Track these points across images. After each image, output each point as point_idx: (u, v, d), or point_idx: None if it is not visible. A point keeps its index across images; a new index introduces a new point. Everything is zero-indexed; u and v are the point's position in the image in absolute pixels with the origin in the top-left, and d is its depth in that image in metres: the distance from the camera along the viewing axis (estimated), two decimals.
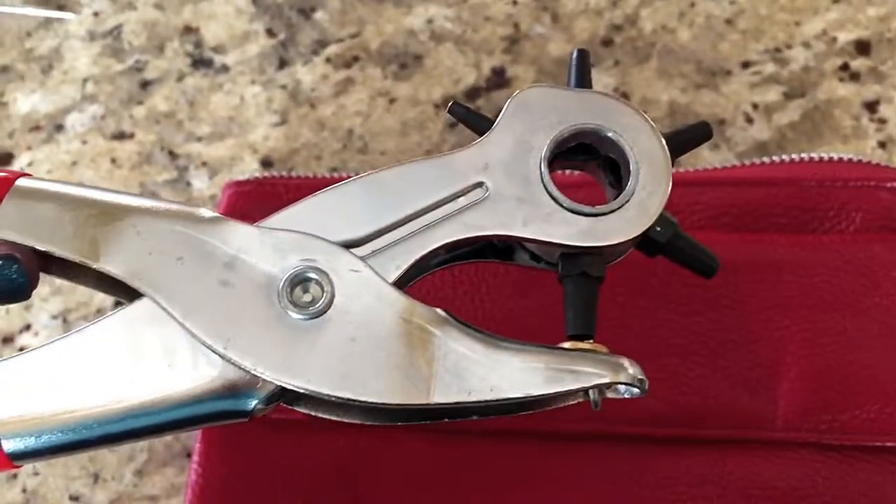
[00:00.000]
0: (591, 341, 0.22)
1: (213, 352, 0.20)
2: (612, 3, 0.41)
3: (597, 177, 0.24)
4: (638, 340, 0.30)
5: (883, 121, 0.39)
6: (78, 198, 0.21)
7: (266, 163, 0.38)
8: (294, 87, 0.40)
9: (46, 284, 0.37)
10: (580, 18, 0.41)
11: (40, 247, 0.21)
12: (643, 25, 0.41)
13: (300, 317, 0.20)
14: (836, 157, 0.33)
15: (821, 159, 0.33)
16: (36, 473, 0.34)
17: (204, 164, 0.38)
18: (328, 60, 0.40)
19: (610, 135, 0.22)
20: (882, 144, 0.38)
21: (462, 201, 0.21)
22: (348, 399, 0.20)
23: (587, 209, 0.22)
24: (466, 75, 0.40)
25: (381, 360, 0.20)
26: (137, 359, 0.20)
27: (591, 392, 0.21)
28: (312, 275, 0.20)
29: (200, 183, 0.38)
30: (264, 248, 0.20)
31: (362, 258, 0.21)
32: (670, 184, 0.22)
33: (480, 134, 0.22)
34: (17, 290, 0.21)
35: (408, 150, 0.39)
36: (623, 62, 0.40)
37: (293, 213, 0.21)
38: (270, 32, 0.40)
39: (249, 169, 0.38)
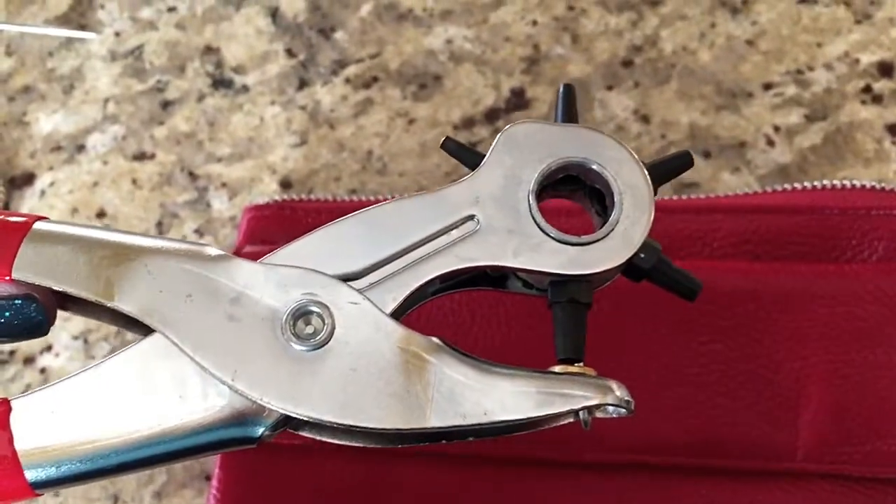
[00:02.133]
0: (581, 364, 0.23)
1: (222, 383, 0.21)
2: (632, 24, 0.41)
3: (583, 205, 0.25)
4: (658, 369, 0.30)
5: None
6: (92, 240, 0.22)
7: (285, 184, 0.39)
8: (313, 108, 0.40)
9: None
10: (600, 39, 0.41)
11: (57, 287, 0.22)
12: (663, 46, 0.40)
13: (303, 348, 0.21)
14: (858, 184, 0.33)
15: (843, 186, 0.33)
16: (56, 495, 0.34)
17: (224, 184, 0.39)
18: (347, 81, 0.40)
19: (594, 167, 0.23)
20: None
21: (454, 234, 0.23)
22: (350, 426, 0.21)
23: (573, 239, 0.23)
24: (486, 96, 0.40)
25: (380, 387, 0.21)
26: (150, 391, 0.21)
27: (580, 413, 0.22)
28: (314, 308, 0.21)
29: (220, 204, 0.38)
30: (268, 284, 0.22)
31: (360, 291, 0.22)
32: (653, 213, 0.23)
33: (471, 168, 0.24)
34: (36, 328, 0.23)
35: (426, 172, 0.39)
36: (643, 83, 0.40)
37: (295, 249, 0.22)
38: (290, 53, 0.41)
39: (269, 190, 0.38)
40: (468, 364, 0.22)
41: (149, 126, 0.39)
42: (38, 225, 0.23)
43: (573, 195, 0.24)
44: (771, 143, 0.39)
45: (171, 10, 0.41)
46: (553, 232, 0.23)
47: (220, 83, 0.40)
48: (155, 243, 0.22)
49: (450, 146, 0.24)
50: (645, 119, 0.39)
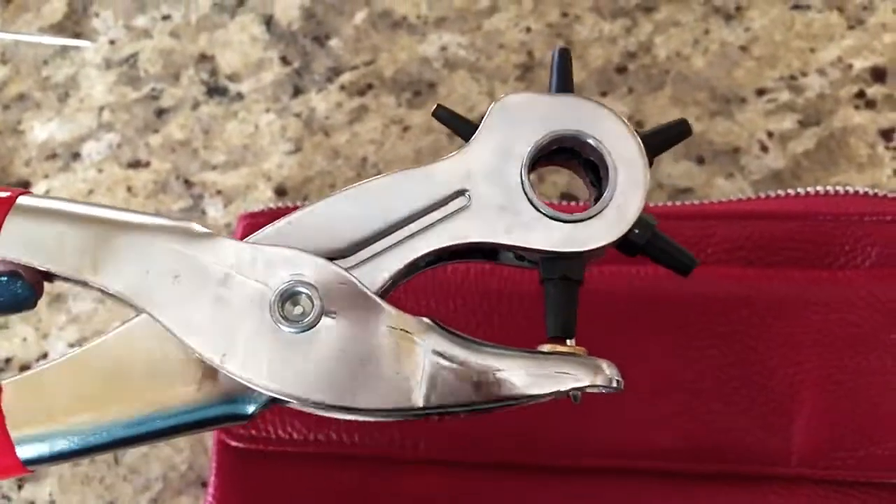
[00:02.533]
0: (572, 342, 0.22)
1: (214, 362, 0.21)
2: (626, 31, 0.41)
3: (578, 174, 0.24)
4: (652, 375, 0.30)
5: None
6: (77, 216, 0.22)
7: (280, 191, 0.39)
8: (308, 115, 0.40)
9: (63, 313, 0.37)
10: (594, 46, 0.41)
11: (41, 266, 0.22)
12: (657, 53, 0.41)
13: (291, 330, 0.21)
14: (851, 190, 0.33)
15: (836, 192, 0.33)
16: (52, 502, 0.34)
17: (219, 192, 0.39)
18: (342, 88, 0.40)
19: (589, 140, 0.22)
20: None
21: (445, 210, 0.22)
22: (339, 407, 0.21)
23: (566, 216, 0.22)
24: (480, 103, 0.40)
25: (369, 368, 0.21)
26: (142, 370, 0.21)
27: (570, 392, 0.22)
28: (302, 289, 0.21)
29: (215, 211, 0.38)
30: (255, 265, 0.21)
31: (349, 269, 0.22)
32: (647, 187, 0.23)
33: (464, 138, 0.23)
34: (24, 303, 0.22)
35: None
36: (637, 90, 0.40)
37: (283, 228, 0.22)
38: (285, 60, 0.41)
39: (264, 197, 0.38)
40: (458, 344, 0.21)
41: (143, 134, 0.40)
42: (21, 199, 0.22)
43: (567, 164, 0.24)
44: (765, 148, 0.39)
45: (166, 18, 0.41)
46: (545, 208, 0.22)
47: (215, 91, 0.40)
48: (142, 220, 0.22)
49: (442, 115, 0.24)
50: (639, 125, 0.39)
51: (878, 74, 0.40)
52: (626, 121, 0.23)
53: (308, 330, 0.21)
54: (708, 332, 0.31)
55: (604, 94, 0.40)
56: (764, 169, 0.38)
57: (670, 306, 0.31)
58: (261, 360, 0.21)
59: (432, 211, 0.22)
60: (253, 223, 0.34)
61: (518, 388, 0.21)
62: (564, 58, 0.24)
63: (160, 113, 0.40)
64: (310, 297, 0.21)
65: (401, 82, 0.40)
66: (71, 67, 0.41)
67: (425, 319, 0.22)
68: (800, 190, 0.33)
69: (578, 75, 0.40)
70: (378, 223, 0.22)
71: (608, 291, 0.31)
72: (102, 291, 0.21)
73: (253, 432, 0.30)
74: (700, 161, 0.39)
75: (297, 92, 0.40)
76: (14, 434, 0.21)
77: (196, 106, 0.40)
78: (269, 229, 0.22)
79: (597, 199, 0.23)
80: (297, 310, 0.21)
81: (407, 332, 0.21)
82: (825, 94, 0.40)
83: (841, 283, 0.31)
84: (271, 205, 0.34)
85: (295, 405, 0.22)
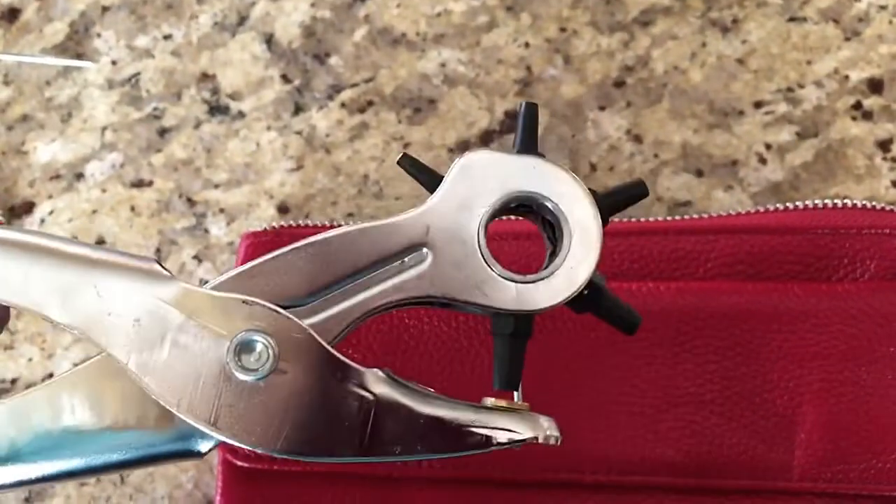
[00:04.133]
0: (517, 395, 0.24)
1: (168, 404, 0.22)
2: (624, 45, 0.41)
3: (536, 227, 0.25)
4: (653, 389, 0.30)
5: None
6: (43, 251, 0.22)
7: (282, 209, 0.39)
8: (309, 133, 0.40)
9: (68, 334, 0.37)
10: (592, 60, 0.41)
11: (4, 300, 0.22)
12: (655, 66, 0.41)
13: (246, 378, 0.22)
14: (849, 203, 0.33)
15: (834, 206, 0.33)
16: None
17: (221, 210, 0.39)
18: (343, 105, 0.41)
19: (547, 203, 0.23)
20: (895, 184, 0.38)
21: (403, 264, 0.23)
22: (288, 456, 0.22)
23: (518, 277, 0.23)
24: (480, 119, 0.40)
25: (320, 418, 0.22)
26: (101, 407, 0.22)
27: (500, 438, 0.23)
28: (258, 338, 0.22)
29: (218, 230, 0.39)
30: (214, 312, 0.22)
31: (305, 318, 0.22)
32: (599, 252, 0.23)
33: (428, 189, 0.24)
34: None
35: (423, 195, 0.39)
36: (635, 103, 0.40)
37: (243, 274, 0.23)
38: (286, 78, 0.41)
39: (266, 215, 0.39)
40: (406, 395, 0.22)
41: (146, 153, 0.40)
42: None
43: (527, 217, 0.25)
44: (763, 160, 0.39)
45: (167, 37, 0.42)
46: (498, 269, 0.23)
47: (217, 110, 0.41)
48: (107, 258, 0.22)
49: (405, 164, 0.24)
50: (637, 139, 0.40)
51: (874, 86, 0.40)
52: (583, 185, 0.24)
53: (262, 379, 0.22)
54: (708, 347, 0.31)
55: (602, 109, 0.40)
56: (763, 181, 0.39)
57: (671, 321, 0.31)
58: (214, 406, 0.22)
59: (391, 263, 0.23)
60: (255, 243, 0.34)
61: (459, 440, 0.22)
62: (530, 114, 0.24)
63: (163, 132, 0.40)
64: (266, 346, 0.22)
65: (401, 99, 0.41)
66: (73, 88, 0.41)
67: (377, 371, 0.23)
68: (798, 203, 0.34)
69: (577, 90, 0.41)
70: (336, 273, 0.23)
71: None
72: (65, 328, 0.22)
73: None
74: (699, 174, 0.39)
75: (298, 110, 0.40)
76: None
77: (198, 125, 0.40)
78: (230, 275, 0.23)
79: (552, 255, 0.24)
80: (253, 358, 0.22)
81: (358, 384, 0.22)
82: (822, 106, 0.40)
83: (840, 297, 0.31)
84: (273, 223, 0.34)
85: (246, 450, 0.22)
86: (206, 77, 0.41)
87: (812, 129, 0.40)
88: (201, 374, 0.22)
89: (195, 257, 0.38)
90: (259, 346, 0.22)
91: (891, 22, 0.41)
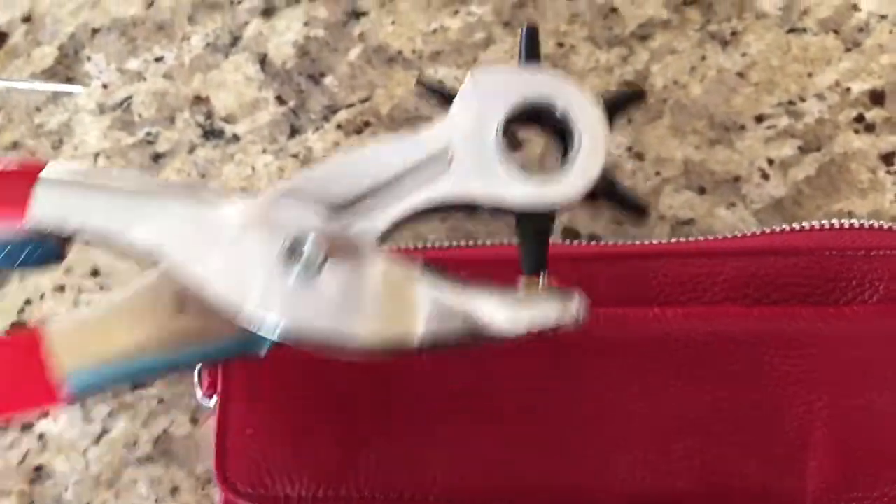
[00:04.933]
0: (544, 276, 0.25)
1: (231, 306, 0.24)
2: (623, 60, 0.40)
3: (547, 135, 0.27)
4: (664, 418, 0.30)
5: None
6: (101, 183, 0.25)
7: None
8: (305, 156, 0.39)
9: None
10: (591, 76, 0.40)
11: (72, 228, 0.24)
12: (654, 81, 0.40)
13: (300, 275, 0.24)
14: (856, 223, 0.33)
15: (841, 226, 0.33)
16: None
17: None
18: (339, 126, 0.40)
19: (556, 107, 0.25)
20: None
21: (431, 170, 0.25)
22: (343, 344, 0.24)
23: (536, 175, 0.25)
24: None
25: (369, 307, 0.24)
26: (165, 312, 0.25)
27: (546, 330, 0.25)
28: (308, 238, 0.24)
29: None
30: (266, 219, 0.24)
31: (348, 221, 0.25)
32: (607, 148, 0.26)
33: (443, 104, 0.26)
34: (53, 260, 0.26)
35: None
36: (636, 120, 0.40)
37: (291, 185, 0.25)
38: (280, 100, 0.40)
39: None
40: (447, 284, 0.24)
41: None
42: (47, 170, 0.25)
43: (537, 127, 0.26)
44: (765, 176, 0.39)
45: (159, 60, 0.41)
46: (517, 169, 0.25)
47: (211, 133, 0.40)
48: (161, 184, 0.25)
49: (423, 86, 0.26)
50: (639, 156, 0.39)
51: (876, 97, 0.40)
52: (586, 91, 0.26)
53: (314, 274, 0.24)
54: (717, 373, 0.30)
55: None
56: (765, 197, 0.38)
57: (679, 347, 0.31)
58: (272, 302, 0.24)
59: (420, 170, 0.25)
60: None
61: (497, 325, 0.24)
62: (532, 34, 0.26)
63: (156, 157, 0.40)
64: (315, 247, 0.24)
65: (398, 119, 0.40)
66: (64, 114, 0.40)
67: (418, 263, 0.25)
68: (804, 224, 0.33)
69: None
70: (373, 180, 0.25)
71: (616, 336, 0.31)
72: (127, 251, 0.24)
73: (262, 491, 0.30)
74: (701, 191, 0.39)
75: (294, 132, 0.40)
76: (60, 368, 0.24)
77: (192, 149, 0.40)
78: (278, 185, 0.25)
79: (564, 157, 0.26)
80: (305, 257, 0.24)
81: (402, 274, 0.24)
82: (824, 119, 0.39)
83: (849, 319, 0.30)
84: None
85: (305, 345, 0.24)
86: (199, 100, 0.40)
87: (814, 142, 0.39)
88: (259, 274, 0.24)
89: None
90: (308, 246, 0.24)
91: (891, 31, 0.41)
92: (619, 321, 0.31)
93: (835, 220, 0.33)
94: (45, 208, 0.24)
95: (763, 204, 0.38)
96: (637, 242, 0.34)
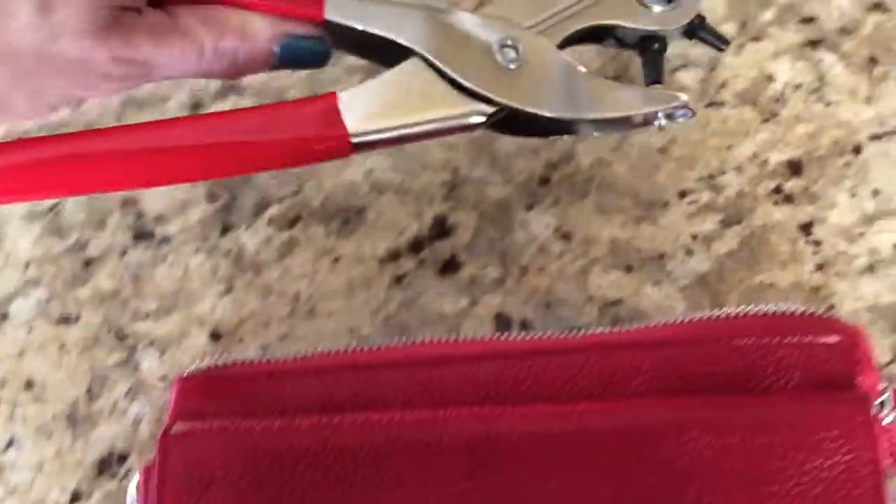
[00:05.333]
0: (661, 85, 0.35)
1: (465, 85, 0.33)
2: (549, 141, 0.41)
3: None
4: None
5: (818, 243, 0.39)
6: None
7: (215, 336, 0.38)
8: (238, 253, 0.40)
9: (2, 484, 0.36)
10: (517, 159, 0.41)
11: (359, 27, 0.34)
12: (580, 161, 0.41)
13: (507, 65, 0.34)
14: (771, 310, 0.34)
15: (755, 314, 0.34)
16: None
17: (152, 342, 0.38)
18: (270, 222, 0.40)
19: None
20: (819, 267, 0.39)
21: (585, 3, 0.35)
22: (537, 113, 0.34)
23: (658, 6, 0.35)
24: (409, 226, 0.40)
25: (554, 89, 0.34)
26: (420, 90, 0.34)
27: (660, 115, 0.34)
28: (511, 41, 0.34)
29: (150, 362, 0.38)
30: (483, 26, 0.34)
31: (537, 33, 0.35)
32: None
33: None
34: (322, 59, 0.35)
35: (355, 311, 0.39)
36: (562, 200, 0.41)
37: (494, 8, 0.36)
38: (211, 197, 0.41)
39: (198, 344, 0.38)
40: (599, 79, 0.36)
41: (72, 287, 0.39)
42: None
43: None
44: (689, 252, 0.40)
45: None
46: (645, 3, 0.35)
47: (142, 235, 0.40)
48: (414, 5, 0.35)
49: None
50: (566, 237, 0.40)
51: (794, 168, 0.41)
52: None
53: (517, 65, 0.34)
54: (641, 465, 0.31)
55: (529, 208, 0.40)
56: (690, 273, 0.39)
57: (607, 442, 0.31)
58: (491, 81, 0.33)
59: (579, 2, 0.35)
60: (186, 388, 0.34)
61: (638, 105, 0.34)
62: None
63: (88, 263, 0.40)
64: (515, 47, 0.34)
65: (329, 211, 0.41)
66: None
67: (580, 66, 0.35)
68: (722, 312, 0.34)
69: (503, 190, 0.41)
70: (552, 8, 0.35)
71: (539, 433, 0.31)
72: (397, 44, 0.34)
73: None
74: (628, 269, 0.39)
75: (226, 229, 0.40)
76: (348, 124, 0.33)
77: (124, 253, 0.40)
78: (490, 6, 0.37)
79: (669, 2, 0.36)
80: (510, 53, 0.34)
81: (573, 67, 0.35)
82: (744, 192, 0.40)
83: (766, 408, 0.31)
84: (207, 350, 0.34)
85: (497, 131, 0.35)
86: (128, 202, 0.41)
87: (735, 216, 0.40)
88: (481, 63, 0.34)
89: (128, 393, 0.38)
90: (513, 44, 0.34)
91: (805, 101, 0.42)
92: (541, 420, 0.32)
93: (751, 307, 0.34)
94: (335, 10, 0.34)
95: (688, 280, 0.39)
96: (562, 335, 0.35)
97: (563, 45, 0.35)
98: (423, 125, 0.33)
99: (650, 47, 0.36)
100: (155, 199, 0.41)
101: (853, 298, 0.39)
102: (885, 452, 0.33)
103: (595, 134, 0.37)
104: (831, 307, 0.38)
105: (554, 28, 0.35)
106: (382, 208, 0.41)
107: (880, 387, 0.34)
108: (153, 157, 0.32)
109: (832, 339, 0.32)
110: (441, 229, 0.40)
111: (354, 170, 0.41)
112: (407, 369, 0.35)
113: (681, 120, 0.35)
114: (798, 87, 0.42)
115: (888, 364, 0.38)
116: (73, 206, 0.41)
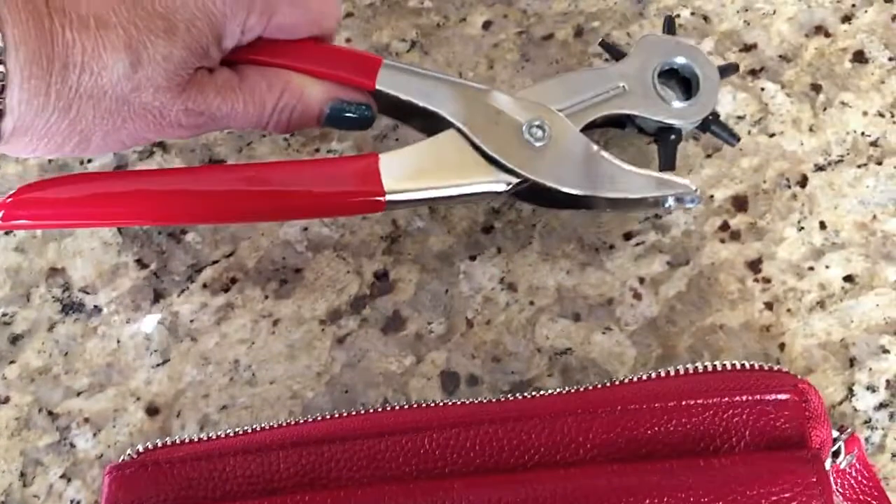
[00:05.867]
0: (672, 173, 0.38)
1: (492, 158, 0.37)
2: None
3: (674, 84, 0.40)
4: None
5: (767, 280, 0.39)
6: (428, 74, 0.38)
7: (152, 410, 0.37)
8: (172, 321, 0.38)
9: None
10: (458, 207, 0.40)
11: (405, 98, 0.37)
12: (521, 207, 0.40)
13: (535, 143, 0.37)
14: (719, 365, 0.33)
15: (704, 370, 0.33)
16: None
17: (86, 420, 0.37)
18: (205, 286, 0.39)
19: (688, 66, 0.39)
20: (769, 306, 0.38)
21: (611, 93, 0.38)
22: (556, 188, 0.37)
23: (677, 103, 0.39)
24: (349, 283, 0.39)
25: (574, 168, 0.37)
26: (454, 160, 0.37)
27: (669, 199, 0.37)
28: (539, 123, 0.37)
29: (84, 442, 0.36)
30: (516, 106, 0.37)
31: (565, 116, 0.38)
32: (718, 94, 0.40)
33: (616, 59, 0.40)
34: (368, 122, 0.38)
35: (298, 375, 0.37)
36: (505, 248, 0.39)
37: (529, 92, 0.38)
38: (141, 263, 0.39)
39: (134, 420, 0.37)
40: (616, 162, 0.37)
41: None
42: (385, 61, 0.37)
43: (671, 76, 0.40)
44: (637, 296, 0.39)
45: (8, 232, 0.39)
46: (666, 98, 0.39)
47: (70, 307, 0.38)
48: (456, 83, 0.38)
49: (604, 45, 0.40)
50: (512, 287, 0.39)
51: (739, 203, 0.40)
52: (707, 55, 0.40)
53: (543, 144, 0.37)
54: None
55: (473, 258, 0.39)
56: (639, 318, 0.38)
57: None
58: (518, 157, 0.37)
59: (603, 94, 0.38)
60: (119, 476, 0.32)
61: (650, 189, 0.37)
62: (670, 23, 0.41)
63: (14, 340, 0.38)
64: (543, 128, 0.37)
65: (265, 271, 0.39)
66: None
67: (600, 147, 0.37)
68: (670, 369, 0.33)
69: (445, 240, 0.40)
70: (577, 96, 0.38)
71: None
72: (437, 115, 0.37)
73: None
74: (576, 318, 0.38)
75: (158, 297, 0.39)
76: (385, 183, 0.36)
77: (52, 327, 0.38)
78: (523, 91, 0.38)
79: (687, 98, 0.39)
80: (538, 133, 0.37)
81: (593, 151, 0.37)
82: (690, 231, 0.40)
83: (715, 470, 0.30)
84: (138, 448, 0.33)
85: (521, 201, 0.40)
86: (55, 271, 0.39)
87: (682, 255, 0.39)
88: (510, 140, 0.37)
89: (63, 476, 0.36)
90: (541, 126, 0.37)
91: (749, 132, 0.41)
92: (492, 488, 0.31)
93: (698, 364, 0.33)
94: (385, 82, 0.37)
95: (637, 325, 0.38)
96: (510, 398, 0.34)
97: (587, 128, 0.38)
98: (452, 189, 0.36)
99: (667, 137, 0.39)
100: (82, 267, 0.39)
101: (804, 336, 0.38)
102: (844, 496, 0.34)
103: (608, 210, 0.40)
104: (782, 345, 0.38)
105: (581, 113, 0.38)
106: (321, 266, 0.39)
107: (833, 435, 0.34)
108: (210, 198, 0.35)
109: (782, 395, 0.32)
110: (382, 286, 0.39)
111: (290, 227, 0.40)
112: (351, 443, 0.33)
113: (689, 206, 0.38)
114: (741, 118, 0.41)
115: (840, 403, 0.37)
116: None
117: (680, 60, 0.39)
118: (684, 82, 0.40)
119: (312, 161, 0.38)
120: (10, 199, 0.34)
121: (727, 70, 0.40)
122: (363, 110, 0.37)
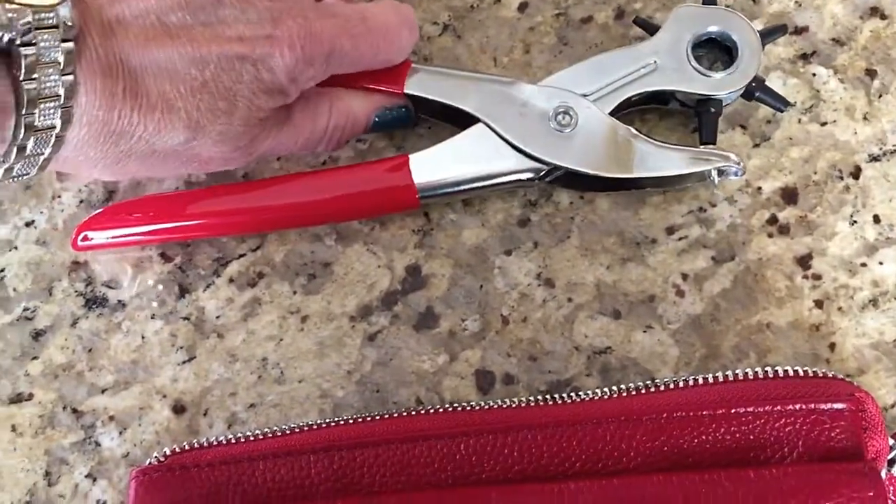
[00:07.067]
0: (714, 146, 0.37)
1: (519, 148, 0.37)
2: None
3: (717, 53, 0.39)
4: None
5: (817, 276, 0.37)
6: (453, 73, 0.38)
7: (178, 409, 0.36)
8: (198, 317, 0.37)
9: None
10: (492, 199, 0.38)
11: (434, 98, 0.38)
12: (559, 199, 0.38)
13: (562, 131, 0.37)
14: (770, 372, 0.31)
15: (755, 376, 0.31)
16: None
17: (111, 418, 0.36)
18: (231, 281, 0.37)
19: (727, 35, 0.38)
20: (819, 304, 0.37)
21: (643, 71, 0.37)
22: (586, 172, 0.36)
23: (713, 74, 0.37)
24: (380, 278, 0.37)
25: (604, 151, 0.37)
26: (481, 152, 0.37)
27: (713, 172, 0.37)
28: (566, 109, 0.37)
29: (110, 441, 0.36)
30: (541, 95, 0.37)
31: (592, 101, 0.37)
32: (761, 60, 0.38)
33: (651, 34, 0.38)
34: (408, 123, 0.39)
35: (328, 373, 0.36)
36: (542, 242, 0.38)
37: (554, 78, 0.38)
38: (165, 256, 0.38)
39: (161, 418, 0.36)
40: (650, 141, 0.37)
41: (22, 362, 0.36)
42: (413, 66, 0.38)
43: (712, 48, 0.39)
44: (680, 292, 0.37)
45: (29, 224, 0.38)
46: (701, 70, 0.37)
47: (94, 302, 0.37)
48: (482, 79, 0.38)
49: (638, 21, 0.39)
50: (549, 283, 0.37)
51: (789, 196, 0.38)
52: (749, 22, 0.38)
53: (571, 130, 0.37)
54: None
55: (508, 253, 0.38)
56: (682, 316, 0.37)
57: None
58: (545, 145, 0.37)
59: (636, 71, 0.37)
60: (145, 482, 0.31)
61: (687, 166, 0.37)
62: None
63: (37, 335, 0.37)
64: (570, 114, 0.37)
65: (293, 266, 0.38)
66: None
67: (632, 129, 0.37)
68: (719, 375, 0.32)
69: (479, 234, 0.38)
70: (607, 77, 0.37)
71: None
72: (462, 111, 0.37)
73: None
74: (616, 315, 0.37)
75: (184, 291, 0.37)
76: (416, 179, 0.37)
77: (75, 322, 0.37)
78: (549, 78, 0.38)
79: (729, 67, 0.38)
80: (565, 120, 0.37)
81: (624, 134, 0.37)
82: (736, 225, 0.38)
83: (767, 482, 0.29)
84: (165, 451, 0.32)
85: (555, 183, 0.38)
86: (77, 265, 0.38)
87: (728, 251, 0.38)
88: (537, 129, 0.37)
89: (89, 476, 0.35)
90: (568, 112, 0.37)
91: (800, 121, 0.39)
92: (530, 499, 0.30)
93: (748, 370, 0.32)
94: (414, 85, 0.38)
95: (680, 323, 0.37)
96: (549, 402, 0.32)
97: (623, 108, 0.38)
98: (481, 180, 0.37)
99: (706, 109, 0.38)
100: (105, 261, 0.38)
101: (855, 335, 0.36)
102: None
103: (650, 190, 0.39)
104: (832, 345, 0.36)
105: (613, 94, 0.37)
106: (350, 261, 0.38)
107: (890, 443, 0.32)
108: (282, 209, 0.37)
109: (838, 405, 0.30)
110: (414, 281, 0.37)
111: None
112: (384, 448, 0.32)
113: (734, 177, 0.37)
114: (791, 106, 0.39)
115: (893, 405, 0.36)
116: (17, 273, 0.38)
117: (715, 28, 0.38)
118: (726, 51, 0.38)
119: (350, 166, 0.38)
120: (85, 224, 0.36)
121: (772, 33, 0.38)
122: (406, 113, 0.38)
